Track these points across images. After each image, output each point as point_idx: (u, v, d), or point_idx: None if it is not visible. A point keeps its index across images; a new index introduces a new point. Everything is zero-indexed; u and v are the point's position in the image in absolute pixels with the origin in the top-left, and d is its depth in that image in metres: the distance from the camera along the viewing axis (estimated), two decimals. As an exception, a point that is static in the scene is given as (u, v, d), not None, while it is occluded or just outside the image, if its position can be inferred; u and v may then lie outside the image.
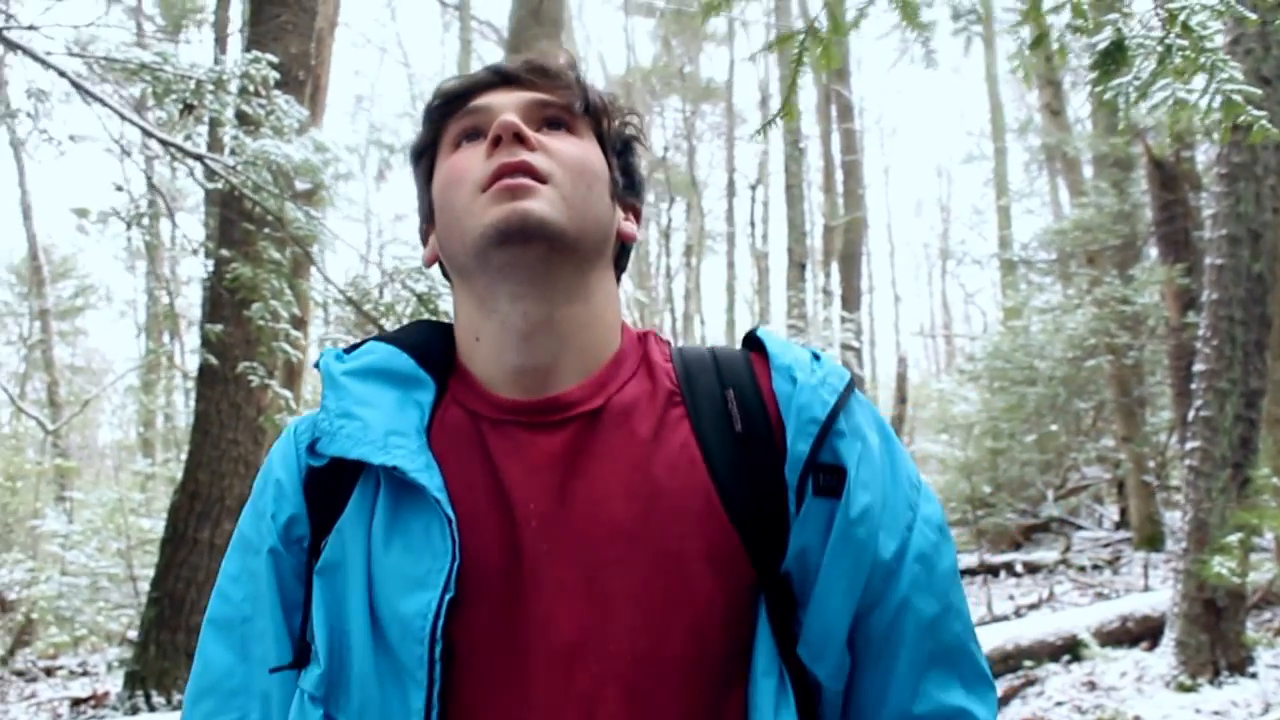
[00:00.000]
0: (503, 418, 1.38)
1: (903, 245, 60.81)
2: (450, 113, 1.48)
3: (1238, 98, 2.34)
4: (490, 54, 29.05)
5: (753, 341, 1.48)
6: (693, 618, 1.27)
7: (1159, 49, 2.49)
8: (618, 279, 1.54)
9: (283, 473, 1.44)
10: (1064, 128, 19.02)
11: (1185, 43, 2.41)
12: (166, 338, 20.98)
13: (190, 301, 18.34)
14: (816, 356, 1.40)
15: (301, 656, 1.37)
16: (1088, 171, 18.60)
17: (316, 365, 1.46)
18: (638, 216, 1.57)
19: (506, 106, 1.42)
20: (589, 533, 1.29)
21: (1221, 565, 7.75)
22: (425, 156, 1.52)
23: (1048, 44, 2.63)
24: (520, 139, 1.37)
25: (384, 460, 1.31)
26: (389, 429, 1.34)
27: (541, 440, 1.35)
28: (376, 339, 1.49)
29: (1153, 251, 16.80)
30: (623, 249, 1.54)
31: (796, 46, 1.43)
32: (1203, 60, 2.32)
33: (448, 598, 1.26)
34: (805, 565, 1.29)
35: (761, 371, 1.41)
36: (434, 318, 5.99)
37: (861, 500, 1.29)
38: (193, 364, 19.08)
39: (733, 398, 1.38)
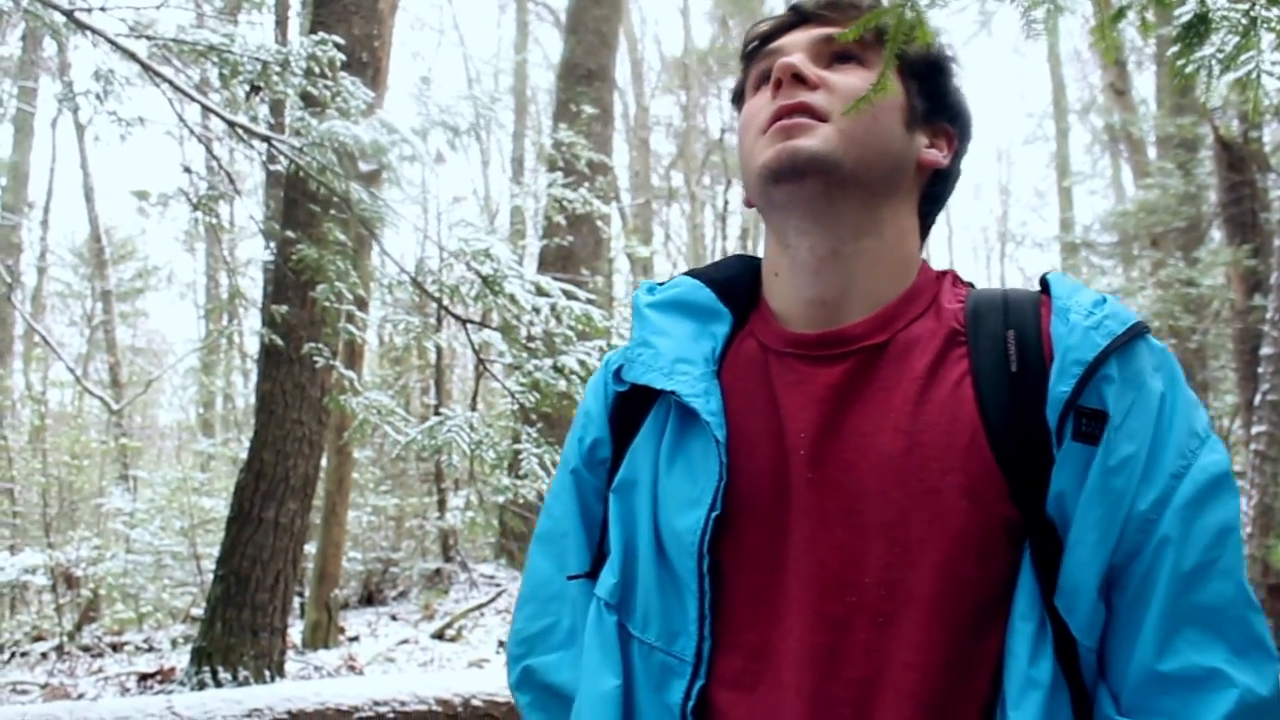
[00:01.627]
0: (785, 350, 1.44)
1: (961, 229, 60.34)
2: (753, 56, 1.53)
3: (1328, 73, 2.29)
4: (547, 35, 29.08)
5: (1044, 284, 1.45)
6: (945, 551, 1.28)
7: (1244, 21, 2.44)
8: (934, 210, 1.57)
9: (592, 400, 1.58)
10: (1129, 108, 18.78)
11: (1272, 15, 2.37)
12: (225, 319, 21.15)
13: (253, 282, 18.46)
14: (1103, 300, 1.35)
15: (596, 567, 1.51)
16: (1152, 153, 18.36)
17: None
18: (951, 141, 1.55)
19: (796, 46, 1.48)
20: (855, 464, 1.33)
21: (1290, 549, 7.66)
22: (739, 101, 1.57)
23: (1123, 19, 2.59)
24: (800, 79, 1.42)
25: (665, 385, 1.41)
26: (677, 356, 1.44)
27: (820, 373, 1.40)
28: (686, 273, 1.57)
29: (1217, 234, 16.60)
30: (936, 177, 1.54)
31: (895, 19, 1.41)
32: (1293, 34, 2.27)
33: (714, 515, 1.34)
34: (1064, 511, 1.27)
35: (1046, 313, 1.38)
36: (500, 301, 6.01)
37: (1124, 449, 1.26)
38: (252, 345, 19.25)
39: (1013, 338, 1.36)
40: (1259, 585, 8.65)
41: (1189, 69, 2.60)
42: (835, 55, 1.46)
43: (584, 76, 14.68)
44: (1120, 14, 2.60)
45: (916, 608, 1.28)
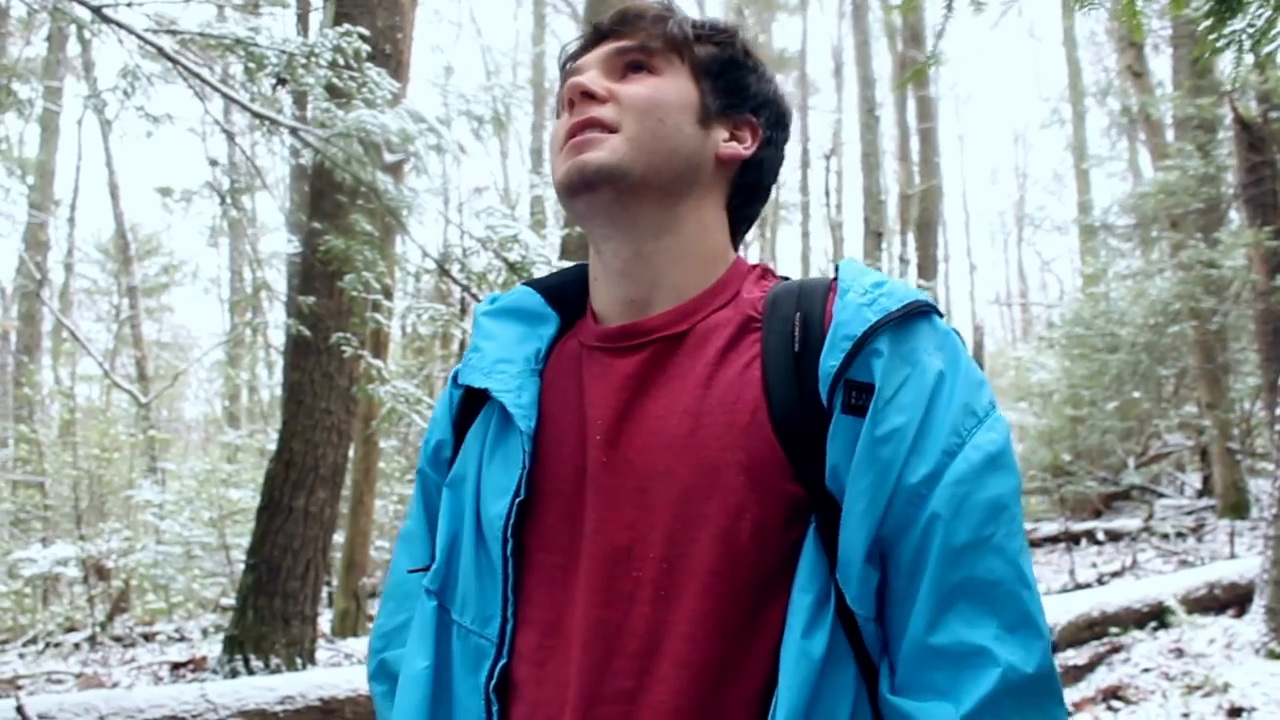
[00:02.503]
0: (595, 344, 1.51)
1: (978, 213, 60.16)
2: (562, 76, 1.59)
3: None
4: (564, 28, 29.07)
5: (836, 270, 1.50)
6: (721, 525, 1.32)
7: (1276, -4, 2.47)
8: (751, 201, 1.61)
9: (439, 405, 1.64)
10: (1146, 90, 18.72)
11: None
12: (250, 312, 21.25)
13: (278, 274, 18.55)
14: (883, 282, 1.39)
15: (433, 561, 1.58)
16: (1170, 135, 18.30)
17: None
18: (756, 131, 1.58)
19: (591, 64, 1.54)
20: (647, 447, 1.39)
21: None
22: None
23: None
24: (590, 95, 1.48)
25: (482, 384, 1.50)
26: (498, 358, 1.53)
27: (620, 363, 1.47)
28: (525, 283, 1.66)
29: (1236, 215, 16.55)
30: (745, 168, 1.57)
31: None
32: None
33: (517, 501, 1.42)
34: (840, 484, 1.29)
35: (832, 296, 1.42)
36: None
37: (893, 421, 1.29)
38: (277, 337, 19.33)
39: (799, 320, 1.40)
40: (1284, 565, 8.65)
41: (1219, 44, 2.62)
42: (628, 66, 1.52)
43: (602, 67, 14.67)
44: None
45: (694, 580, 1.32)
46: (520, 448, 1.45)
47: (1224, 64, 17.25)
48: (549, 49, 26.37)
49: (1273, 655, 8.45)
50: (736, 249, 1.61)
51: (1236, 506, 15.35)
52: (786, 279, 1.55)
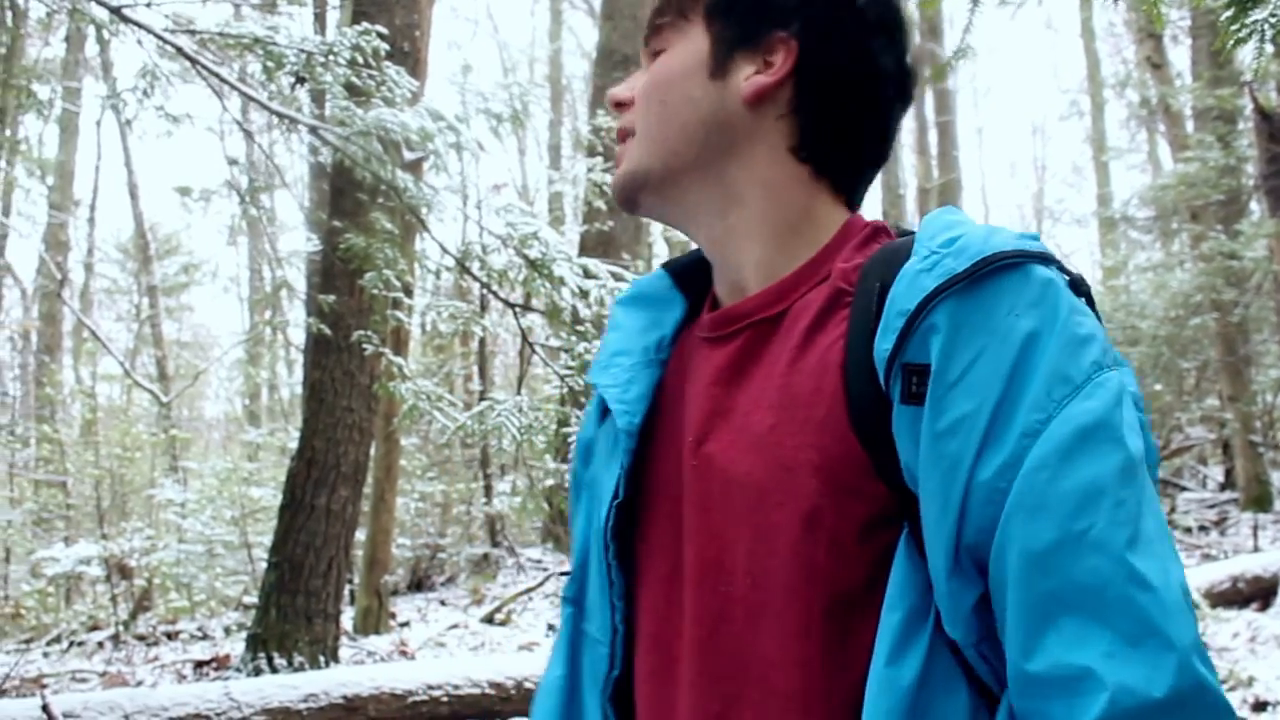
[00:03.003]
0: (700, 333, 1.38)
1: (997, 206, 59.90)
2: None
3: (1381, 37, 2.29)
4: (580, 25, 29.10)
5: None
6: (795, 536, 1.15)
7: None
8: (821, 138, 1.32)
9: (592, 403, 1.50)
10: (1166, 81, 18.63)
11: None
12: (269, 311, 21.32)
13: (298, 272, 18.62)
14: (957, 237, 1.12)
15: None
16: (1190, 127, 18.23)
17: None
18: (790, 45, 1.30)
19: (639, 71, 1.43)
20: (732, 447, 1.23)
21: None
22: None
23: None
24: (618, 105, 1.39)
25: (595, 379, 1.39)
26: (617, 350, 1.40)
27: (715, 354, 1.32)
28: (663, 264, 1.51)
29: (1255, 206, 16.47)
30: (795, 98, 1.30)
31: None
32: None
33: (615, 503, 1.32)
34: (915, 485, 1.09)
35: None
36: (545, 285, 6.05)
37: (958, 408, 1.05)
38: (297, 336, 19.38)
39: (878, 291, 1.15)
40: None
41: (1240, 34, 2.60)
42: (653, 57, 1.38)
43: (620, 62, 14.66)
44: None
45: (776, 598, 1.16)
46: (621, 445, 1.34)
47: (1244, 55, 17.15)
48: (565, 44, 26.41)
49: (1298, 648, 8.42)
50: (853, 206, 1.37)
51: (1259, 499, 15.28)
52: (908, 234, 1.26)
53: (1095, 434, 1.02)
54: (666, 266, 1.48)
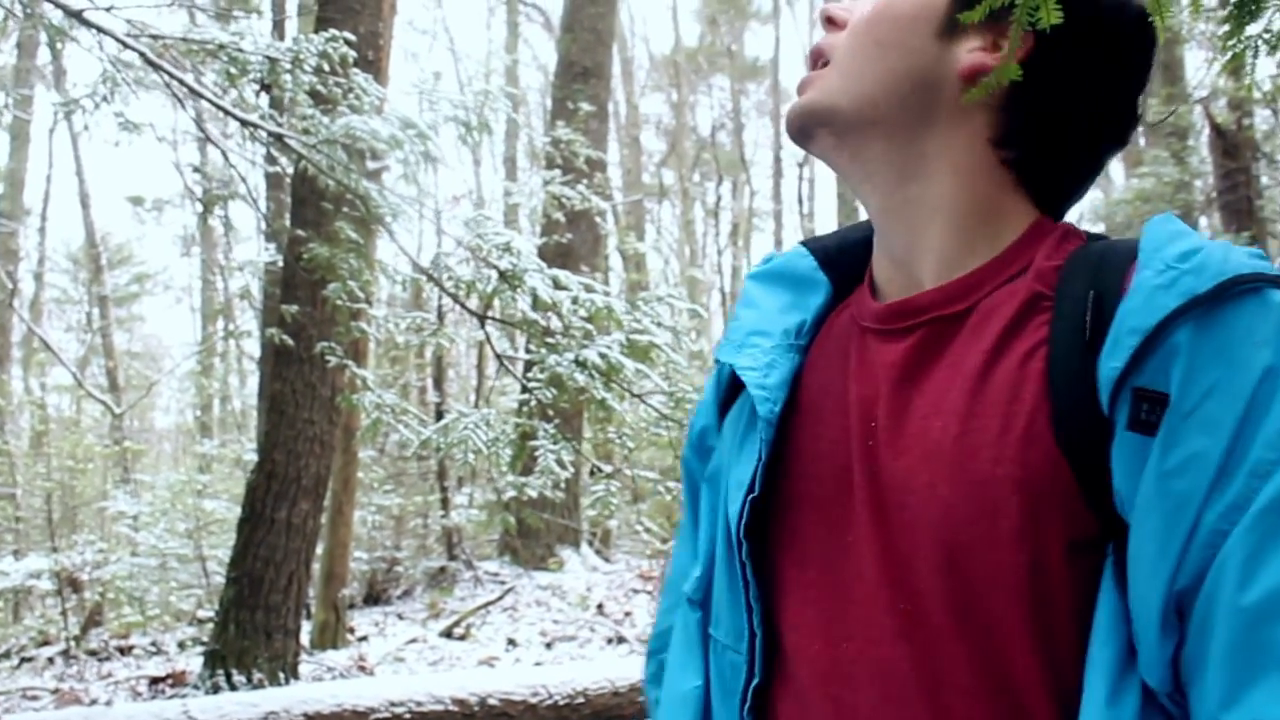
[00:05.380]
0: (865, 324, 1.26)
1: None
2: None
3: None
4: (536, 36, 29.06)
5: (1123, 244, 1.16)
6: (993, 560, 1.05)
7: (1295, 0, 2.45)
8: (1026, 139, 1.21)
9: (707, 386, 1.41)
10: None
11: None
12: (222, 322, 21.18)
13: (253, 282, 18.53)
14: (1196, 251, 1.03)
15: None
16: (1143, 142, 18.42)
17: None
18: (1027, 37, 1.15)
19: None
20: (907, 451, 1.13)
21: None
22: None
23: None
24: (829, 21, 1.27)
25: (730, 358, 1.28)
26: (753, 329, 1.30)
27: (886, 349, 1.21)
28: (803, 241, 1.40)
29: (1204, 220, 16.66)
30: (1015, 90, 1.17)
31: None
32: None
33: (750, 498, 1.21)
34: (1128, 515, 1.00)
35: (1132, 268, 1.08)
36: (516, 295, 6.00)
37: (1192, 444, 0.95)
38: (251, 347, 19.23)
39: (1092, 300, 1.07)
40: None
41: (1237, 48, 2.60)
42: None
43: (580, 74, 14.69)
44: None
45: (968, 622, 1.06)
46: (754, 436, 1.23)
47: (1194, 70, 17.39)
48: (521, 57, 26.35)
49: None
50: (1056, 213, 1.26)
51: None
52: (1100, 238, 1.20)
53: None
54: (808, 244, 1.38)
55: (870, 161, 1.23)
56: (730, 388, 1.35)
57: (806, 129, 1.24)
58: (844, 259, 1.35)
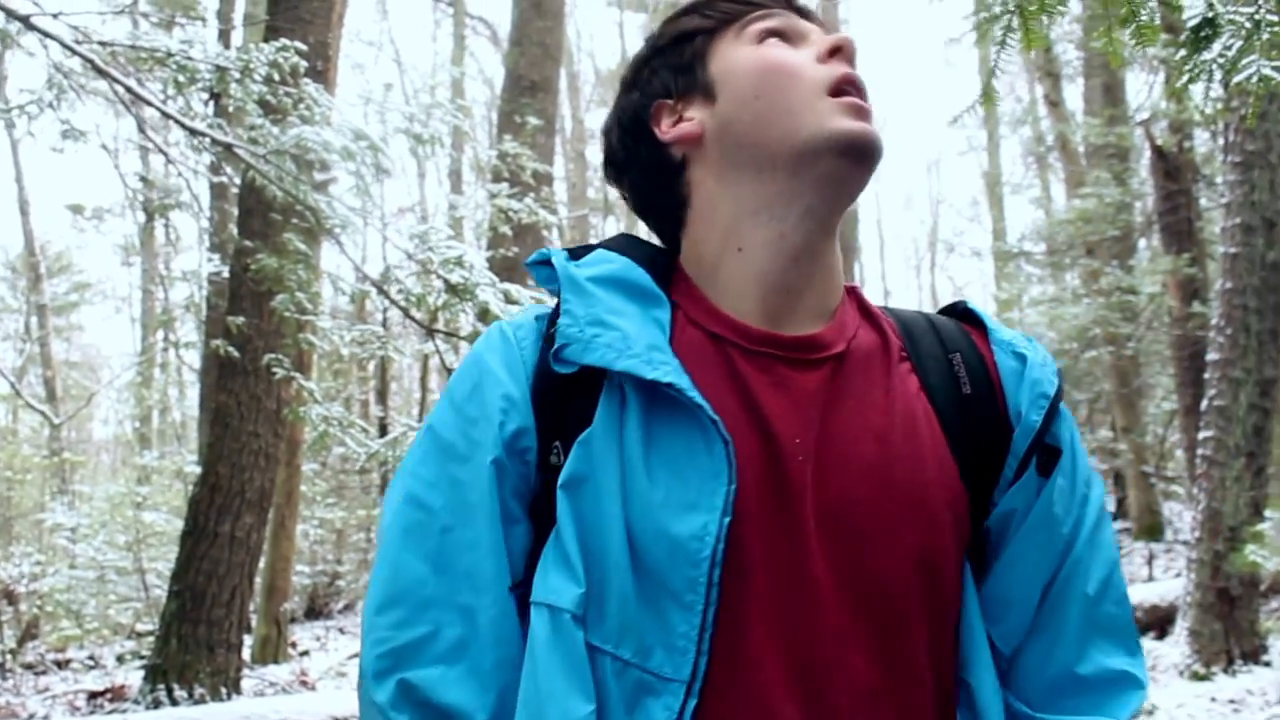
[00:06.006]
0: (758, 349, 1.32)
1: (893, 239, 60.87)
2: (745, 9, 1.41)
3: (1330, 76, 2.34)
4: (483, 50, 29.01)
5: (962, 313, 1.48)
6: (933, 563, 1.29)
7: (1248, 25, 2.49)
8: None
9: (509, 379, 1.32)
10: (1062, 119, 19.06)
11: (1277, 18, 2.41)
12: (163, 332, 20.97)
13: (195, 292, 18.39)
14: (1026, 336, 1.43)
15: (526, 575, 1.29)
16: (1085, 163, 18.66)
17: (531, 264, 1.40)
18: None
19: (814, 29, 1.41)
20: (844, 470, 1.27)
21: (1255, 554, 7.77)
22: (697, 37, 1.44)
23: (1134, 20, 2.62)
24: (851, 62, 1.36)
25: (655, 376, 1.24)
26: (650, 343, 1.28)
27: (801, 377, 1.31)
28: (602, 247, 1.42)
29: (1143, 242, 16.90)
30: None
31: (1000, 28, 1.42)
32: (1297, 38, 2.32)
33: (726, 521, 1.21)
34: (1004, 528, 1.34)
35: (980, 343, 1.42)
36: (471, 309, 5.97)
37: (1063, 482, 1.34)
38: (192, 358, 19.05)
39: (959, 361, 1.38)
40: (1208, 589, 8.77)
41: (1193, 73, 2.63)
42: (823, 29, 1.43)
43: (527, 88, 14.65)
44: (1130, 17, 2.62)
45: (913, 617, 1.27)
46: (721, 458, 1.22)
47: (1136, 93, 17.66)
48: (468, 70, 26.28)
49: (1197, 677, 8.57)
50: None
51: (1151, 529, 15.63)
52: (882, 307, 1.48)
53: (1105, 510, 1.41)
54: (630, 256, 1.40)
55: (844, 211, 1.39)
56: (551, 388, 1.31)
57: (873, 161, 1.34)
58: (656, 274, 1.40)
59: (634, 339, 1.28)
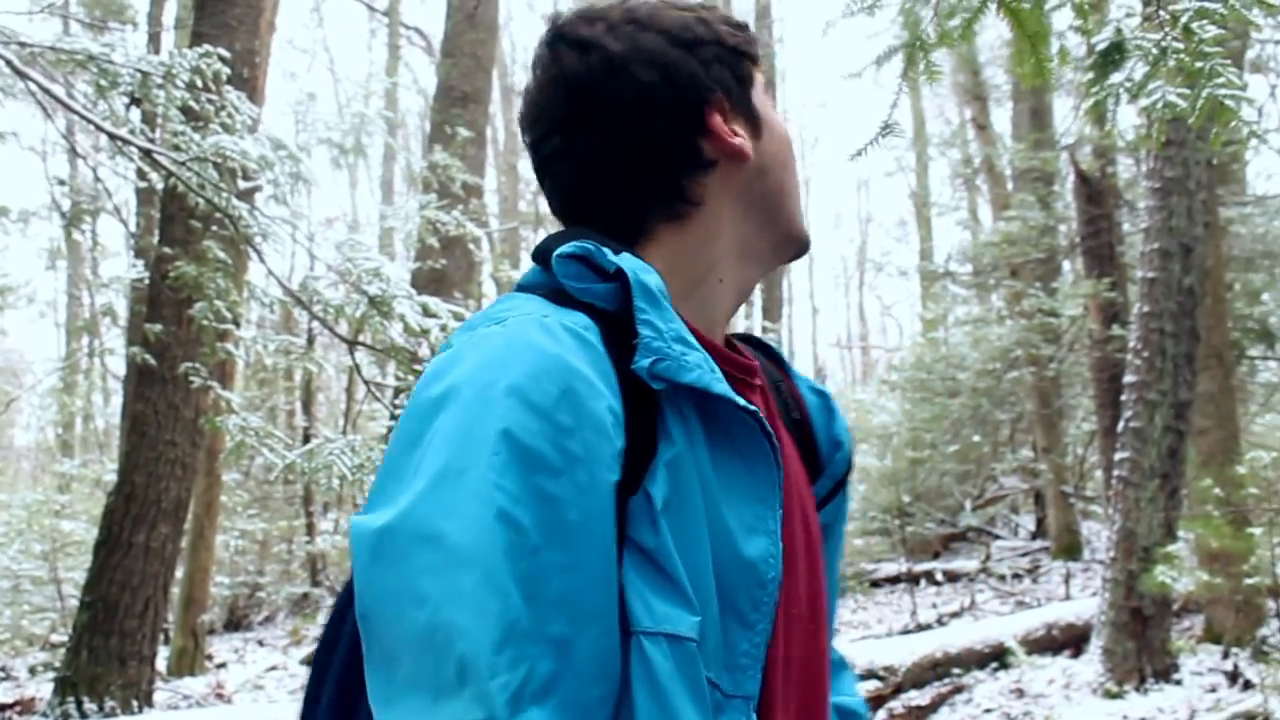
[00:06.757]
0: (733, 372, 1.32)
1: (821, 257, 61.16)
2: (754, 63, 1.43)
3: (1230, 103, 2.38)
4: (418, 61, 28.87)
5: (760, 345, 1.54)
6: (825, 575, 1.42)
7: (1155, 51, 2.53)
8: None
9: (608, 391, 1.17)
10: (990, 142, 19.30)
11: (1182, 45, 2.46)
12: (88, 338, 20.68)
13: (120, 298, 18.14)
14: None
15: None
16: (1011, 186, 18.89)
17: (565, 256, 1.23)
18: None
19: None
20: (806, 491, 1.42)
21: (1165, 574, 7.88)
22: (747, 59, 1.42)
23: (1045, 43, 2.67)
24: None
25: (746, 404, 1.22)
26: (711, 362, 1.23)
27: (758, 400, 1.36)
28: (579, 240, 1.27)
29: (1067, 264, 17.13)
30: None
31: (904, 60, 1.45)
32: (1199, 65, 2.36)
33: (780, 542, 1.24)
34: (825, 540, 1.47)
35: (783, 374, 1.53)
36: (386, 322, 5.94)
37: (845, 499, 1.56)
38: (116, 365, 18.80)
39: (786, 389, 1.51)
40: (1121, 608, 8.88)
41: (1100, 95, 2.68)
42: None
43: (459, 99, 14.62)
44: (1041, 39, 2.67)
45: (823, 626, 1.40)
46: (772, 485, 1.24)
47: (1062, 118, 17.91)
48: (402, 80, 26.17)
49: (1109, 694, 8.67)
50: None
51: (1070, 548, 15.81)
52: None
53: None
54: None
55: None
56: (637, 406, 1.20)
57: None
58: None
59: (705, 358, 1.22)
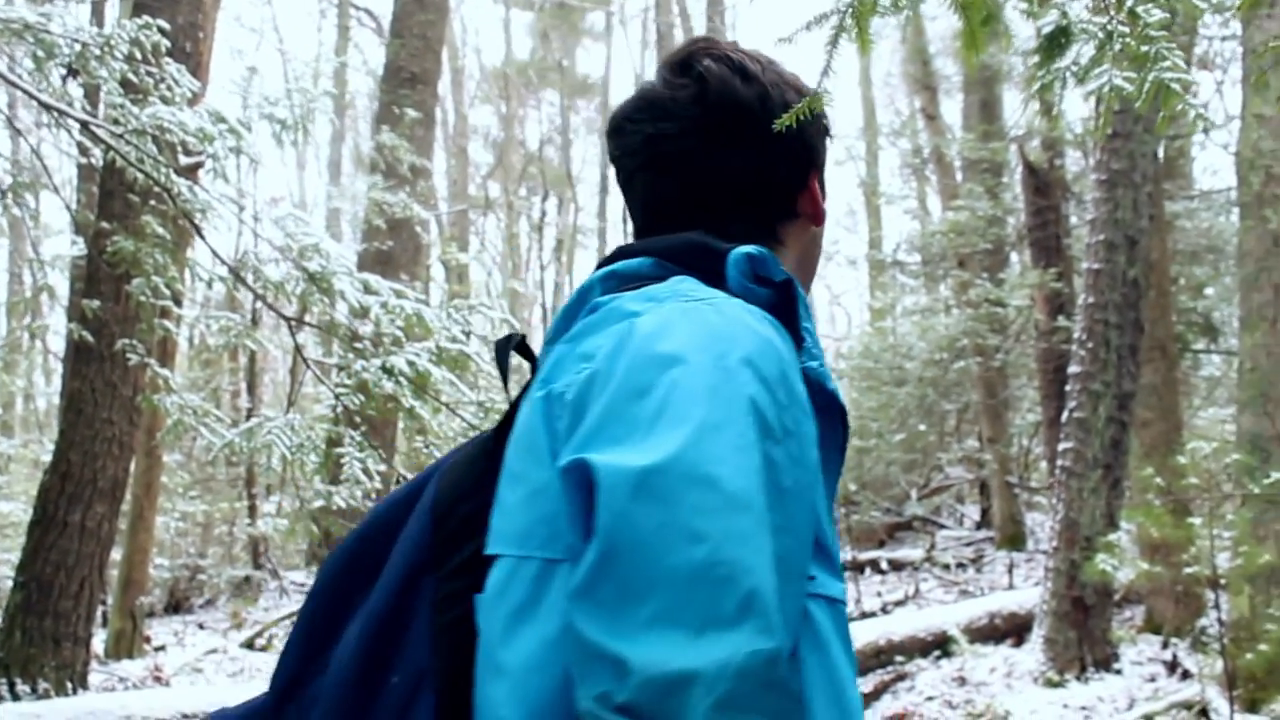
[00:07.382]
0: None
1: (771, 246, 61.35)
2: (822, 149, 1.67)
3: (1176, 86, 2.36)
4: (367, 41, 28.67)
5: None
6: None
7: (1100, 35, 2.51)
8: None
9: (799, 382, 1.29)
10: (939, 132, 19.36)
11: (1127, 29, 2.43)
12: (28, 316, 20.42)
13: (61, 276, 17.92)
14: None
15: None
16: (960, 177, 18.97)
17: (747, 255, 1.38)
18: None
19: None
20: None
21: (1105, 563, 7.93)
22: (829, 137, 1.69)
23: (991, 25, 2.62)
24: None
25: (844, 404, 1.39)
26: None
27: None
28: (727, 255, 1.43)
29: (1014, 255, 17.23)
30: None
31: (834, 27, 1.43)
32: (1145, 49, 2.34)
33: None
34: None
35: None
36: (327, 299, 5.88)
37: None
38: (57, 343, 18.57)
39: None
40: (1063, 598, 8.94)
41: (1046, 79, 2.66)
42: None
43: (407, 80, 14.53)
44: (989, 20, 2.63)
45: None
46: (839, 471, 1.41)
47: (1012, 110, 18.01)
48: (351, 61, 25.97)
49: (1050, 683, 8.72)
50: None
51: (1014, 538, 15.90)
52: None
53: None
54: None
55: None
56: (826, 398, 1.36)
57: None
58: None
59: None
